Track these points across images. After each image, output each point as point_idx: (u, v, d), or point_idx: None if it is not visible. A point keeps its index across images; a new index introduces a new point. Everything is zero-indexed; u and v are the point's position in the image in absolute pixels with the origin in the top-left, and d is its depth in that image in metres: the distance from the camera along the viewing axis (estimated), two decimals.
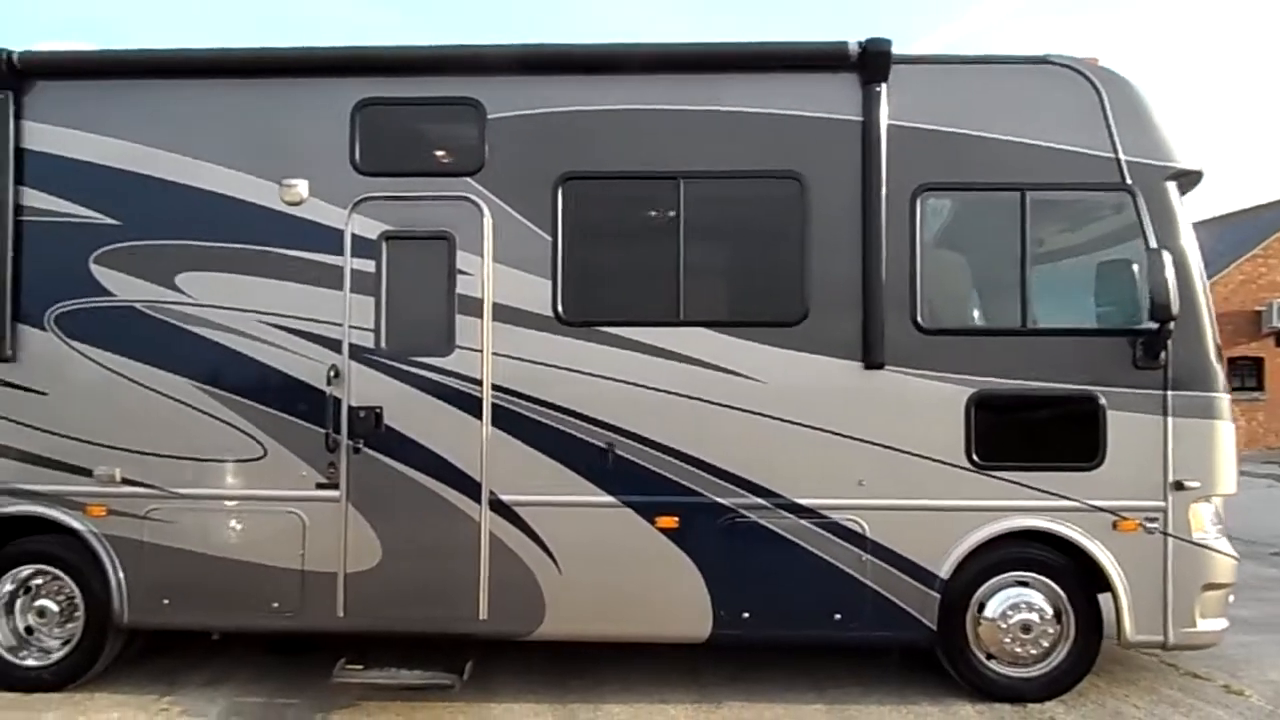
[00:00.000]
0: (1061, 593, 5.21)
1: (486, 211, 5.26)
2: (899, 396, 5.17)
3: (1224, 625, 5.24)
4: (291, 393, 5.25)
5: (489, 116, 5.29)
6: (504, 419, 5.21)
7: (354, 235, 5.27)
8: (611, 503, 5.18)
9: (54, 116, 5.40)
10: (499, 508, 5.20)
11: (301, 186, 5.29)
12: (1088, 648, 5.22)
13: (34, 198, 5.39)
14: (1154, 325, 4.99)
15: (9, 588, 5.40)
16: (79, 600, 5.36)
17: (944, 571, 5.14)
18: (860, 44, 5.17)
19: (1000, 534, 5.16)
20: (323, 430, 5.21)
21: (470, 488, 5.20)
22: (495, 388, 5.22)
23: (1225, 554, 5.20)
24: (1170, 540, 5.10)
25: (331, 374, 5.23)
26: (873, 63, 5.17)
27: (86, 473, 5.30)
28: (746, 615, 5.17)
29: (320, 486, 5.23)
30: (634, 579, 5.17)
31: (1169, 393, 5.11)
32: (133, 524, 5.28)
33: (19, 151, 5.39)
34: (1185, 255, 5.13)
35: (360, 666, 5.15)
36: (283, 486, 5.24)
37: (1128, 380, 5.12)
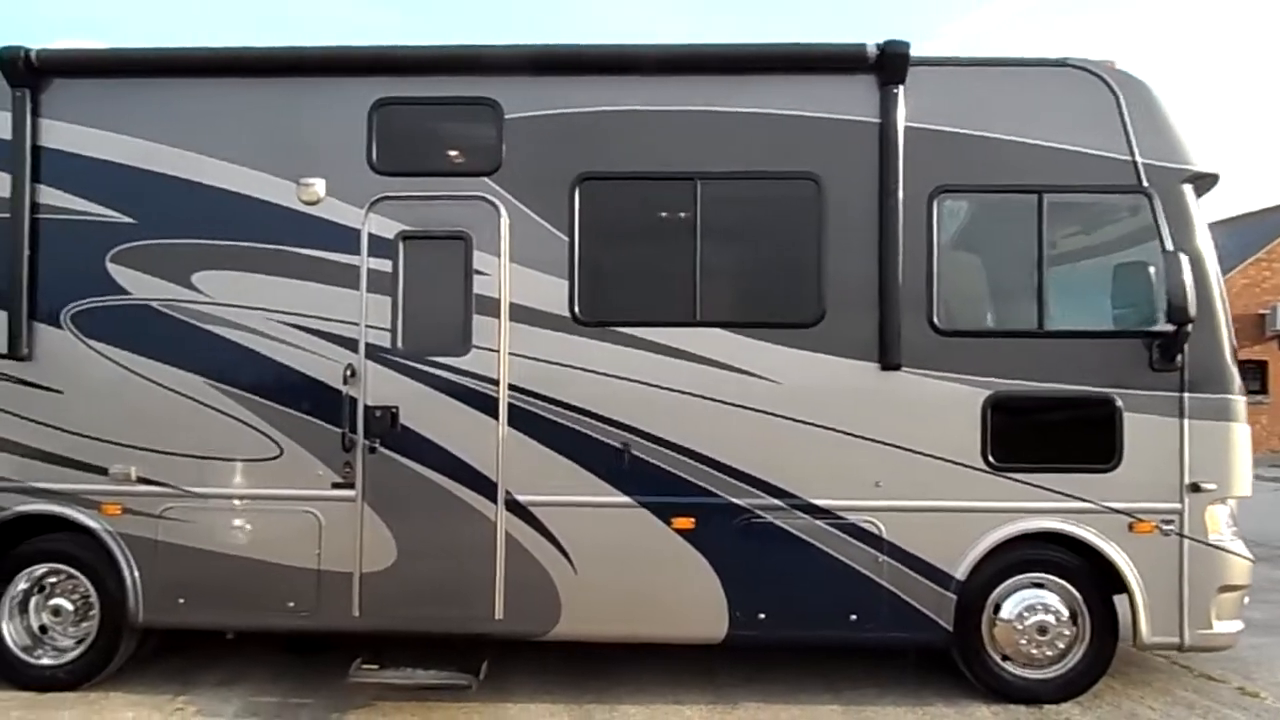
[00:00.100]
0: (1077, 594, 5.21)
1: (503, 211, 5.26)
2: (915, 398, 5.17)
3: (1239, 627, 5.25)
4: (307, 392, 5.25)
5: (506, 117, 5.29)
6: (520, 419, 5.21)
7: (371, 235, 5.27)
8: (627, 503, 5.18)
9: (71, 114, 5.41)
10: (515, 508, 5.20)
11: (319, 186, 5.30)
12: (1103, 649, 5.22)
13: (51, 195, 5.39)
14: (1171, 327, 4.99)
15: (23, 586, 5.40)
16: (94, 599, 5.35)
17: (960, 573, 5.14)
18: (878, 46, 5.17)
19: (1016, 535, 5.17)
20: (339, 430, 5.21)
21: (486, 488, 5.20)
22: (511, 388, 5.22)
23: (1241, 556, 5.20)
24: (1186, 542, 5.11)
25: (348, 373, 5.23)
26: (890, 64, 5.18)
27: (102, 471, 5.29)
28: (762, 616, 5.16)
29: (336, 486, 5.23)
30: (650, 579, 5.17)
31: (1185, 395, 5.12)
32: (148, 523, 5.28)
33: (36, 149, 5.39)
34: (1202, 257, 5.14)
35: (376, 666, 5.15)
36: (298, 486, 5.24)
37: (1144, 382, 5.12)
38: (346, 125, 5.31)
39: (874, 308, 5.17)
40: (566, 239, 5.24)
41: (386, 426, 5.20)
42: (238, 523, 5.28)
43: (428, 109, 5.43)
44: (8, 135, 5.37)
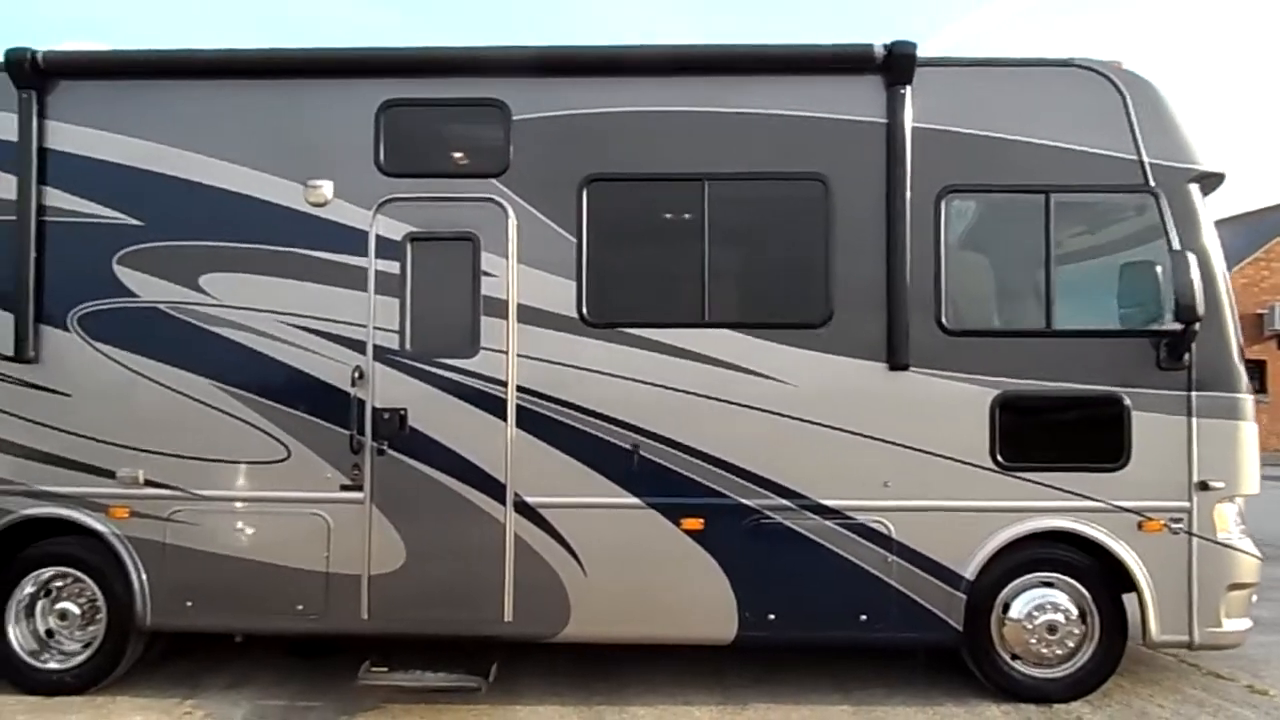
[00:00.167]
0: (1086, 593, 5.21)
1: (511, 213, 5.26)
2: (924, 398, 5.17)
3: (1248, 625, 5.26)
4: (315, 394, 5.24)
5: (514, 118, 5.29)
6: (529, 421, 5.21)
7: (379, 236, 5.27)
8: (637, 504, 5.18)
9: (77, 116, 5.39)
10: (524, 509, 5.19)
11: (326, 187, 5.29)
12: (1112, 648, 5.23)
13: (57, 198, 5.38)
14: (1178, 326, 5.00)
15: (30, 590, 5.37)
16: (101, 602, 5.34)
17: (969, 572, 5.14)
18: (885, 46, 5.18)
19: (1025, 535, 5.17)
20: (347, 432, 5.20)
21: (495, 489, 5.19)
22: (520, 389, 5.21)
23: (1249, 554, 5.21)
24: (1195, 540, 5.11)
25: (356, 375, 5.22)
26: (898, 65, 5.18)
27: (109, 474, 5.28)
28: (772, 617, 5.16)
29: (344, 488, 5.22)
30: (659, 581, 5.17)
31: (1193, 393, 5.13)
32: (156, 526, 5.26)
33: (42, 151, 5.37)
34: (1209, 256, 5.15)
35: (385, 669, 5.14)
36: (307, 488, 5.22)
37: (1152, 381, 5.13)
38: (354, 127, 5.30)
39: (882, 308, 5.17)
40: (574, 240, 5.24)
41: (395, 428, 5.19)
42: (246, 525, 5.26)
43: (435, 110, 5.43)
44: (13, 137, 5.36)
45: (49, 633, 5.39)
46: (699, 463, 5.18)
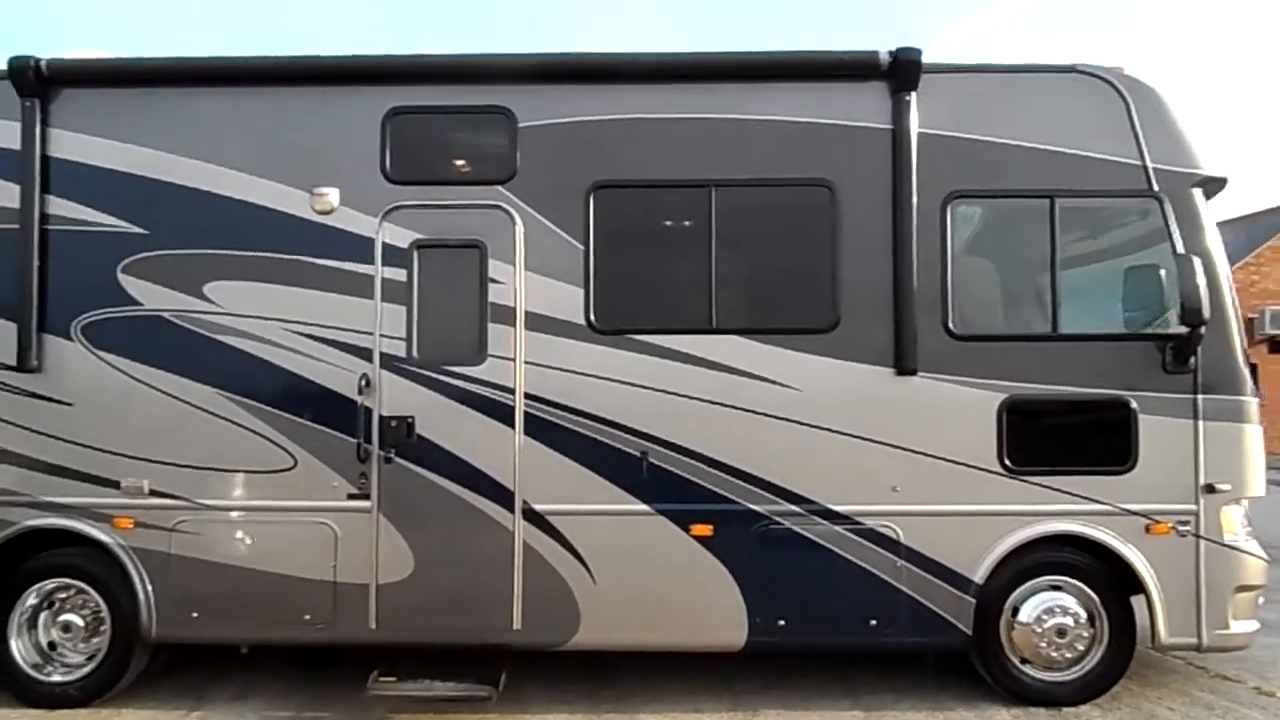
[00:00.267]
0: (1095, 596, 5.23)
1: (518, 220, 5.25)
2: (931, 402, 5.19)
3: (1255, 627, 5.28)
4: (322, 402, 5.22)
5: (520, 125, 5.29)
6: (537, 428, 5.19)
7: (385, 244, 5.25)
8: (646, 511, 5.17)
9: (81, 124, 5.37)
10: (532, 517, 5.18)
11: (332, 195, 5.27)
12: (1121, 651, 5.24)
13: (61, 206, 5.35)
14: (1184, 330, 5.03)
15: (33, 602, 5.32)
16: (105, 614, 5.28)
17: (979, 576, 5.15)
18: (891, 53, 5.21)
19: (1034, 538, 5.18)
20: (354, 440, 5.18)
21: (503, 497, 5.18)
22: (528, 396, 5.20)
23: (1256, 556, 5.24)
24: (1202, 543, 5.13)
25: (363, 383, 5.20)
26: (903, 71, 5.21)
27: (114, 485, 5.24)
28: (782, 623, 5.15)
29: (352, 497, 5.19)
30: (669, 587, 5.15)
31: (1199, 397, 5.15)
32: (161, 536, 5.22)
33: (45, 159, 5.34)
34: (1213, 260, 5.18)
35: (393, 679, 5.11)
36: (314, 497, 5.20)
37: (1158, 385, 5.16)
38: (360, 134, 5.30)
39: (889, 313, 5.19)
40: (582, 247, 5.24)
41: (402, 436, 5.17)
42: (252, 535, 5.23)
43: (442, 118, 5.43)
44: (17, 146, 5.33)
45: (52, 645, 5.34)
46: (708, 469, 5.17)
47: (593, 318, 5.22)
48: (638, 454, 5.17)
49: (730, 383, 5.19)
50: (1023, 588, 5.23)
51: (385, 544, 5.17)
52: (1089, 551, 5.22)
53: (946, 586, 5.15)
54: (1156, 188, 5.21)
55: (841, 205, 5.24)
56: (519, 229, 5.25)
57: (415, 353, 5.23)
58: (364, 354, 5.23)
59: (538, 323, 5.23)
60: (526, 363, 5.21)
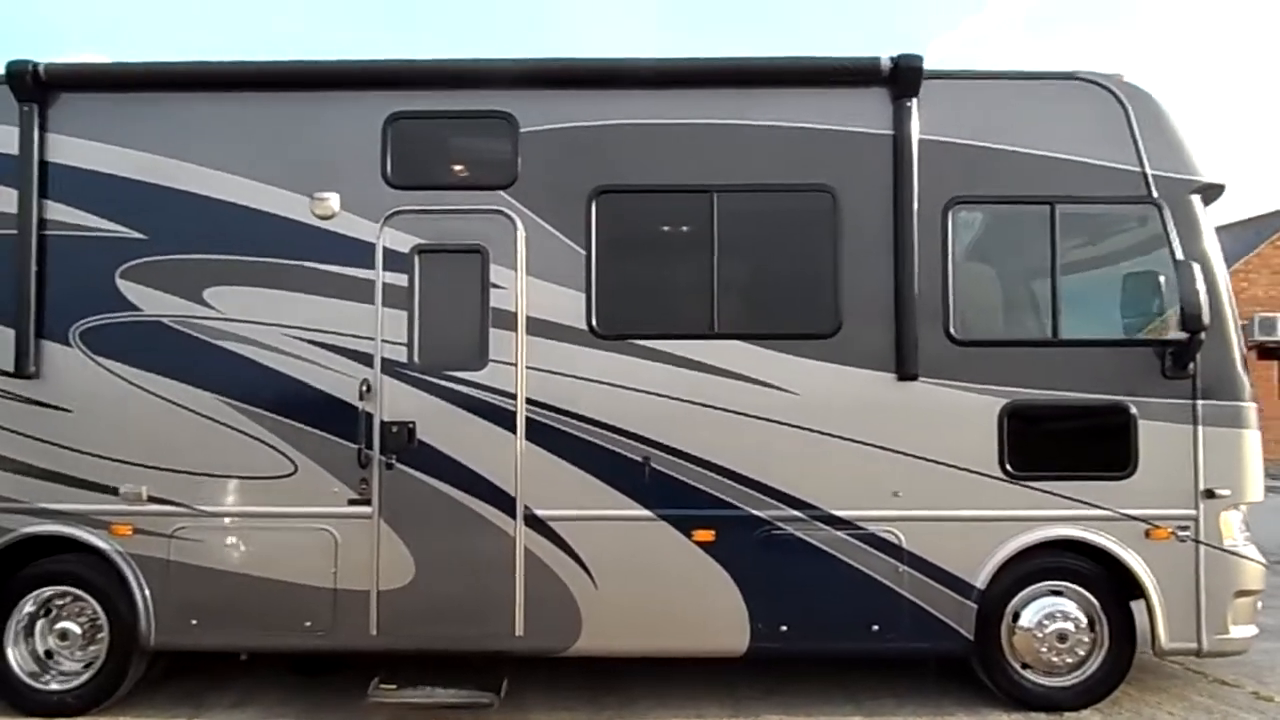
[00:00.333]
0: (1095, 601, 5.24)
1: (520, 225, 5.25)
2: (933, 407, 5.19)
3: (1254, 632, 5.30)
4: (323, 408, 5.20)
5: (521, 130, 5.29)
6: (538, 433, 5.18)
7: (386, 249, 5.24)
8: (648, 516, 5.16)
9: (80, 129, 5.34)
10: (534, 523, 5.17)
11: (333, 200, 5.26)
12: (1121, 656, 5.25)
13: (59, 211, 5.31)
14: (1184, 335, 5.05)
15: (30, 609, 5.27)
16: (103, 621, 5.24)
17: (980, 581, 5.16)
18: (892, 59, 5.22)
19: (1034, 543, 5.19)
20: (355, 446, 5.16)
21: (505, 503, 5.16)
22: (529, 402, 5.19)
23: (1255, 560, 5.26)
24: (1202, 548, 5.15)
25: (363, 389, 5.18)
26: (904, 78, 5.22)
27: (112, 491, 5.20)
28: (784, 628, 5.15)
29: (352, 503, 5.17)
30: (671, 593, 5.15)
31: (1198, 402, 5.18)
32: (160, 543, 5.19)
33: (43, 165, 5.31)
34: (1212, 266, 5.21)
35: (394, 686, 5.09)
36: (314, 503, 5.17)
37: (1158, 390, 5.18)
38: (361, 139, 5.29)
39: (890, 318, 5.20)
40: (583, 252, 5.24)
41: (403, 442, 5.16)
42: (252, 542, 5.20)
43: (442, 123, 5.42)
44: (15, 151, 5.30)
45: (48, 653, 5.29)
46: (710, 474, 5.17)
47: (594, 323, 5.22)
48: (640, 459, 5.17)
49: (732, 388, 5.19)
50: (1024, 593, 5.24)
51: (386, 550, 5.15)
52: (1089, 556, 5.24)
53: (948, 591, 5.16)
54: (1156, 194, 5.24)
55: (843, 211, 5.25)
56: (520, 234, 5.24)
57: (416, 358, 5.22)
58: (365, 359, 5.21)
59: (539, 328, 5.22)
60: (528, 368, 5.20)
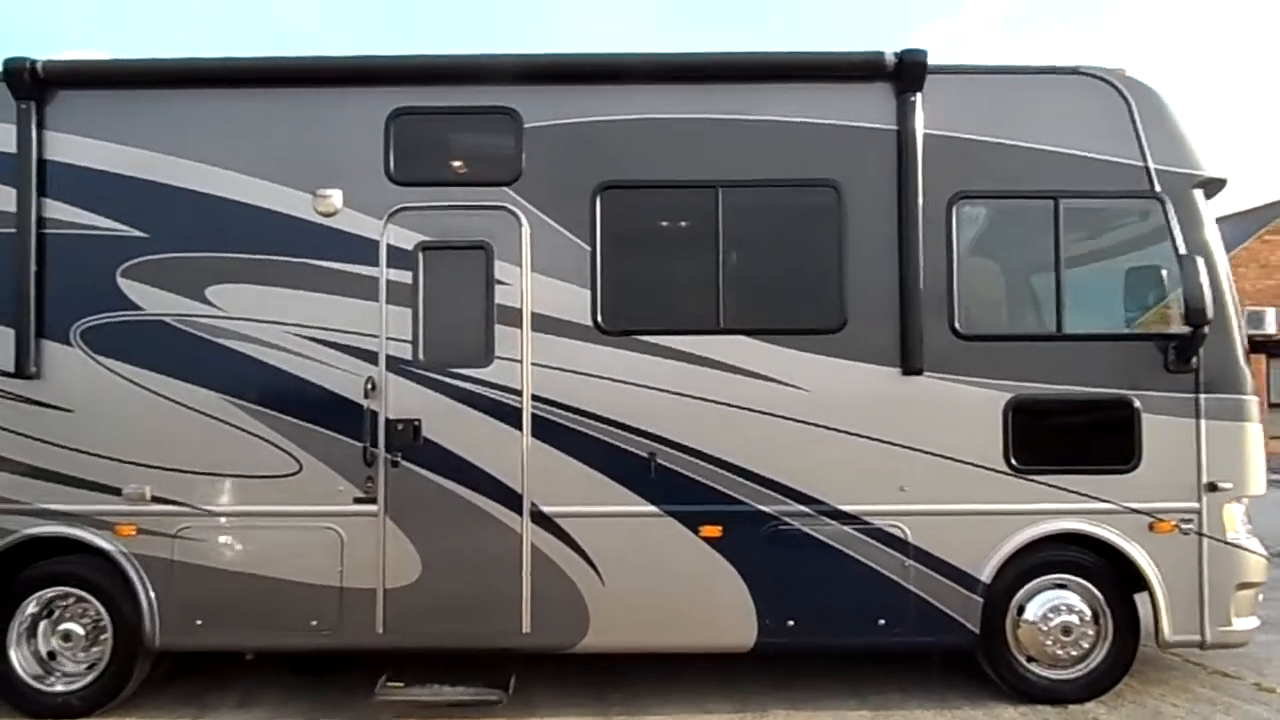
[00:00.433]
0: (1099, 594, 5.27)
1: (524, 221, 5.23)
2: (938, 402, 5.21)
3: (1256, 624, 5.34)
4: (327, 406, 5.17)
5: (525, 126, 5.27)
6: (544, 430, 5.17)
7: (390, 246, 5.22)
8: (654, 512, 5.16)
9: (79, 127, 5.28)
10: (540, 519, 5.16)
11: (335, 197, 5.22)
12: (1125, 648, 5.29)
13: (58, 210, 5.26)
14: (1187, 329, 5.08)
15: (32, 610, 5.23)
16: (106, 622, 5.21)
17: (985, 576, 5.18)
18: (896, 54, 5.23)
19: (1039, 537, 5.21)
20: (360, 444, 5.14)
21: (511, 500, 5.15)
22: (535, 398, 5.18)
23: (1256, 553, 5.29)
24: (1205, 541, 5.18)
25: (368, 387, 5.16)
26: (908, 73, 5.23)
27: (115, 491, 5.16)
28: (791, 623, 5.16)
29: (358, 501, 5.15)
30: (678, 589, 5.15)
31: (1201, 396, 5.21)
32: (164, 543, 5.15)
33: (42, 163, 5.26)
34: (1215, 260, 5.23)
35: (401, 684, 5.08)
36: (319, 502, 5.15)
37: (1161, 384, 5.21)
38: (363, 136, 5.25)
39: (895, 313, 5.21)
40: (588, 248, 5.23)
41: (409, 440, 5.14)
42: (257, 541, 5.17)
43: (446, 118, 5.39)
44: (13, 149, 5.24)
45: (51, 654, 5.25)
46: (716, 470, 5.17)
47: (600, 319, 5.21)
48: (646, 455, 5.16)
49: (738, 383, 5.19)
50: (1028, 586, 5.27)
51: (392, 548, 5.14)
52: (1093, 550, 5.27)
53: (954, 586, 5.18)
54: (1158, 189, 5.26)
55: (847, 206, 5.25)
56: (525, 230, 5.23)
57: (421, 355, 5.20)
58: (369, 357, 5.19)
59: (544, 324, 5.21)
60: (533, 364, 5.19)
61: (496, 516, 5.15)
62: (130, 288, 5.23)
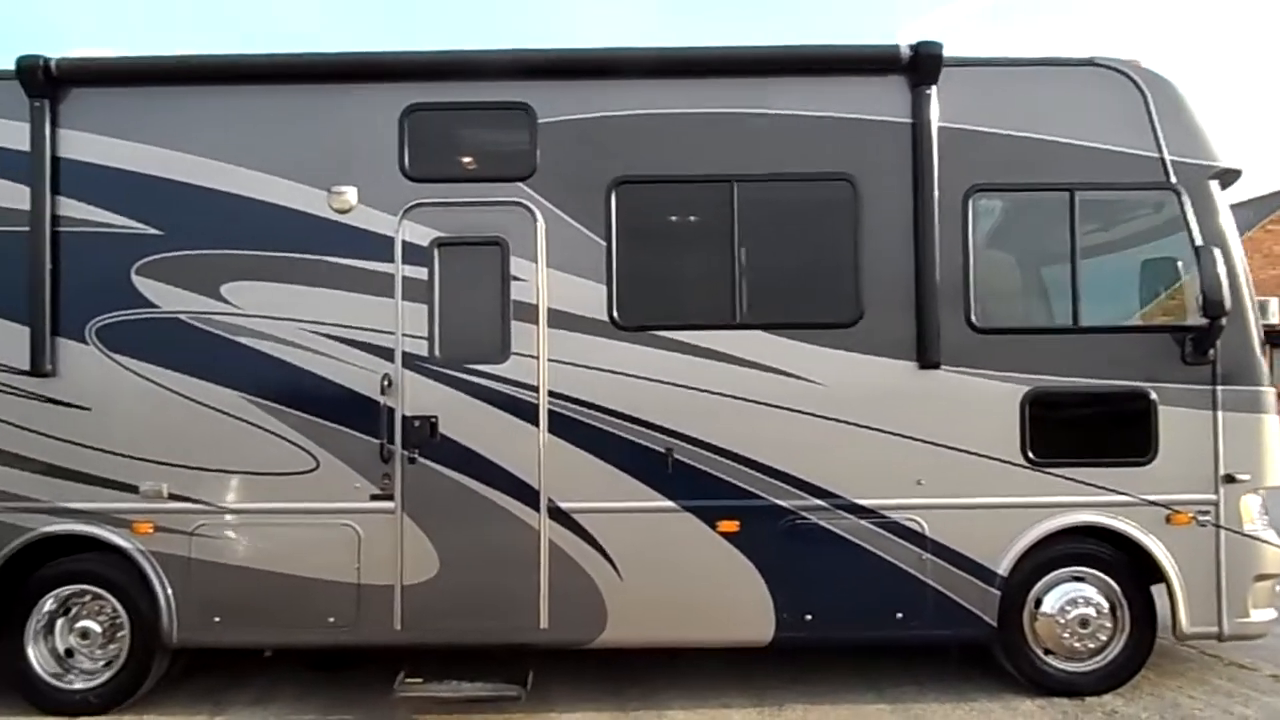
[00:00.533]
0: (1116, 586, 5.26)
1: (539, 217, 5.22)
2: (955, 396, 5.20)
3: (1273, 615, 5.33)
4: (344, 403, 5.17)
5: (540, 121, 5.25)
6: (561, 425, 5.17)
7: (405, 242, 5.21)
8: (672, 507, 5.16)
9: (92, 124, 5.27)
10: (558, 515, 5.15)
11: (350, 193, 5.22)
12: (1143, 640, 5.28)
13: (72, 208, 5.25)
14: (1204, 321, 5.07)
15: (50, 608, 5.23)
16: (123, 620, 5.21)
17: (1003, 568, 5.18)
18: (911, 47, 5.21)
19: (1056, 530, 5.21)
20: (377, 441, 5.14)
21: (528, 496, 5.15)
22: (551, 394, 5.17)
23: (1274, 545, 5.28)
24: (1222, 532, 5.18)
25: (385, 383, 5.15)
26: (923, 65, 5.21)
27: (132, 489, 5.16)
28: (809, 617, 5.16)
29: (375, 498, 5.15)
30: (696, 584, 5.15)
31: (1218, 388, 5.20)
32: (181, 541, 5.15)
33: (55, 160, 5.24)
34: (1231, 251, 5.22)
35: (419, 679, 5.08)
36: (336, 499, 5.15)
37: (1177, 376, 5.20)
38: (378, 132, 5.24)
39: (912, 307, 5.20)
40: (604, 243, 5.22)
41: (425, 436, 5.14)
42: (274, 538, 5.17)
43: (460, 114, 5.38)
44: (26, 147, 5.22)
45: (69, 652, 5.25)
46: (733, 464, 5.17)
47: (615, 314, 5.20)
48: (663, 450, 5.16)
49: (754, 378, 5.18)
50: (1045, 579, 5.26)
51: (410, 545, 5.13)
52: (1110, 542, 5.26)
53: (971, 579, 5.17)
54: (1174, 180, 5.24)
55: (863, 199, 5.24)
56: (540, 226, 5.22)
57: (437, 352, 5.19)
58: (386, 354, 5.18)
59: (560, 320, 5.20)
60: (550, 360, 5.18)
61: (514, 512, 5.14)
62: (145, 285, 5.23)
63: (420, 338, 5.19)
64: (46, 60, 5.19)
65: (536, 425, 5.16)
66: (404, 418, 5.15)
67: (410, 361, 5.18)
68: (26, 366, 5.18)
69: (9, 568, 5.15)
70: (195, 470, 5.17)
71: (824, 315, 5.25)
